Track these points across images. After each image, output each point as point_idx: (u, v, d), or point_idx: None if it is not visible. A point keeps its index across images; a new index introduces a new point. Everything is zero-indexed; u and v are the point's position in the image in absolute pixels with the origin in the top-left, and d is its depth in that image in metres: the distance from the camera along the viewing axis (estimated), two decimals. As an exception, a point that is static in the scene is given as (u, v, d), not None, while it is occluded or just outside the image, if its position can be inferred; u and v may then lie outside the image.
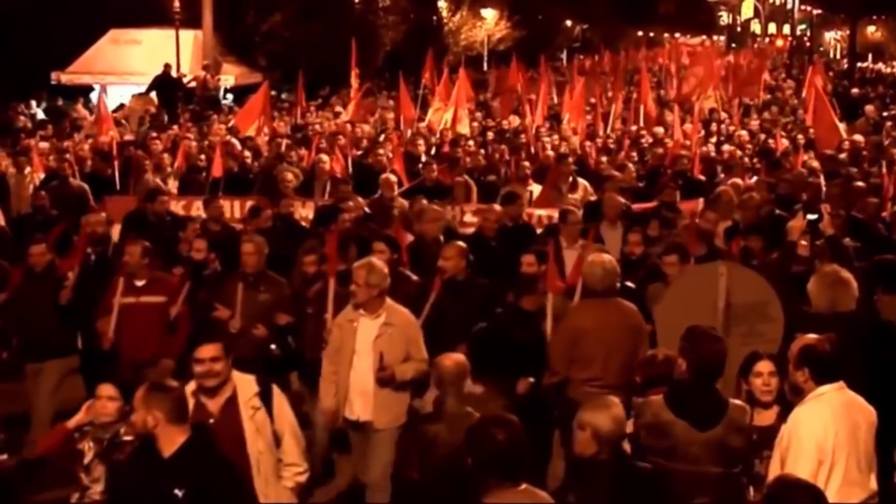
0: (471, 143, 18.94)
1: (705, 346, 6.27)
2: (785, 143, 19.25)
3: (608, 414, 5.73)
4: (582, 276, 8.58)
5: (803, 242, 8.96)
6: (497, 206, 12.20)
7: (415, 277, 9.53)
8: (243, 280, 9.32)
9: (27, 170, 15.60)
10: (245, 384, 6.59)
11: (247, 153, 16.80)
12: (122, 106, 26.23)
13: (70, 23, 29.67)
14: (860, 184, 13.26)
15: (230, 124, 20.70)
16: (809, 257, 8.85)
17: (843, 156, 16.81)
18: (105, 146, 17.06)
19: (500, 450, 5.10)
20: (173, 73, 28.24)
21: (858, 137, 17.66)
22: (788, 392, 6.32)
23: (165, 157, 16.15)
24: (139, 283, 9.40)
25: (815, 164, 15.96)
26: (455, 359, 7.25)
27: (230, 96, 30.27)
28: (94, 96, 29.54)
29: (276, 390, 6.69)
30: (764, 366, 6.61)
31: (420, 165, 15.87)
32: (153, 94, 26.96)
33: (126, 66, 30.30)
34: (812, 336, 6.16)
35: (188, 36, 30.56)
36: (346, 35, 25.15)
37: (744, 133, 20.23)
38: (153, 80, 27.53)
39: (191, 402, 6.09)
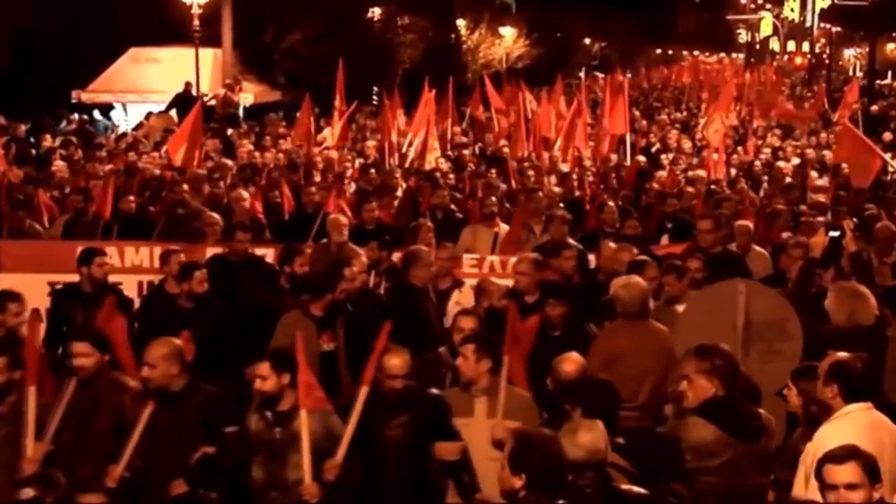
0: (448, 174, 16.10)
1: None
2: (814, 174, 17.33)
3: (571, 440, 5.40)
4: (618, 299, 7.99)
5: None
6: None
7: (133, 384, 6.84)
8: None
9: None
10: None
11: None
12: (141, 124, 26.33)
13: (90, 41, 29.91)
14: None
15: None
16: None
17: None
18: None
19: (554, 464, 5.04)
20: (193, 92, 28.38)
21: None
22: (817, 410, 6.23)
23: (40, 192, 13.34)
24: None
25: (822, 198, 14.15)
26: (578, 361, 6.96)
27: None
28: (114, 115, 29.72)
29: None
30: None
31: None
32: (173, 112, 27.08)
33: (146, 85, 30.51)
34: (844, 353, 6.12)
35: (208, 54, 30.67)
36: (365, 53, 24.92)
37: (757, 163, 18.76)
38: (173, 98, 27.65)
39: None
